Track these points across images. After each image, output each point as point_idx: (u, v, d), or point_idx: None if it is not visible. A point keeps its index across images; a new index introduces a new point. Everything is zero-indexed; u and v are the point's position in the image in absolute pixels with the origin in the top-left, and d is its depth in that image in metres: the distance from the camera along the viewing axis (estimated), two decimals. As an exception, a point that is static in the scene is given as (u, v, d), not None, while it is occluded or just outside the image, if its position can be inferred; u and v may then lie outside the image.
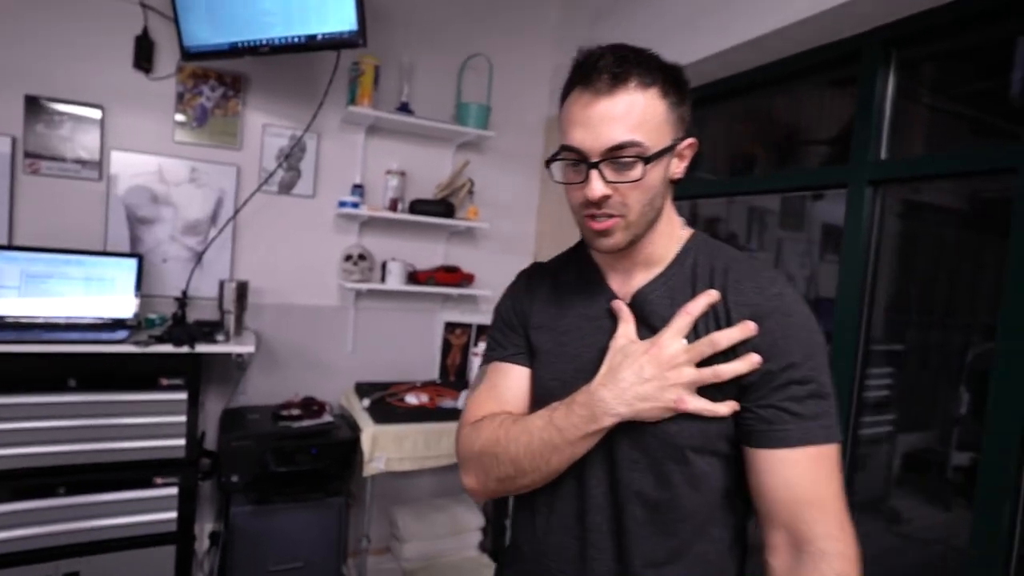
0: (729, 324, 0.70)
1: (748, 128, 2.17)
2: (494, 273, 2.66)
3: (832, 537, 0.64)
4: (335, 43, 1.84)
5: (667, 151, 0.70)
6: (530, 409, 0.83)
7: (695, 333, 0.71)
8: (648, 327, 0.75)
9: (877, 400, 1.57)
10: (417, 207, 2.42)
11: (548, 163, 0.75)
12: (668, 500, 0.72)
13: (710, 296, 0.71)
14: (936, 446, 1.57)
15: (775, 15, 1.56)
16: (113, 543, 1.79)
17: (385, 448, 1.99)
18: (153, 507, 1.83)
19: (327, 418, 2.17)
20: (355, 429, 2.12)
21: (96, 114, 2.04)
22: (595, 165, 0.68)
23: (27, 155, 1.97)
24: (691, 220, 2.50)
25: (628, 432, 0.73)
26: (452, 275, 2.51)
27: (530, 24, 2.71)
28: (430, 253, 2.60)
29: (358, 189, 2.38)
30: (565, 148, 0.71)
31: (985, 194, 1.48)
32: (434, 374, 2.64)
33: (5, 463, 1.67)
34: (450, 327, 2.63)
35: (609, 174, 0.69)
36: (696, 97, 2.21)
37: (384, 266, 2.45)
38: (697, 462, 0.71)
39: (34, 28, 1.95)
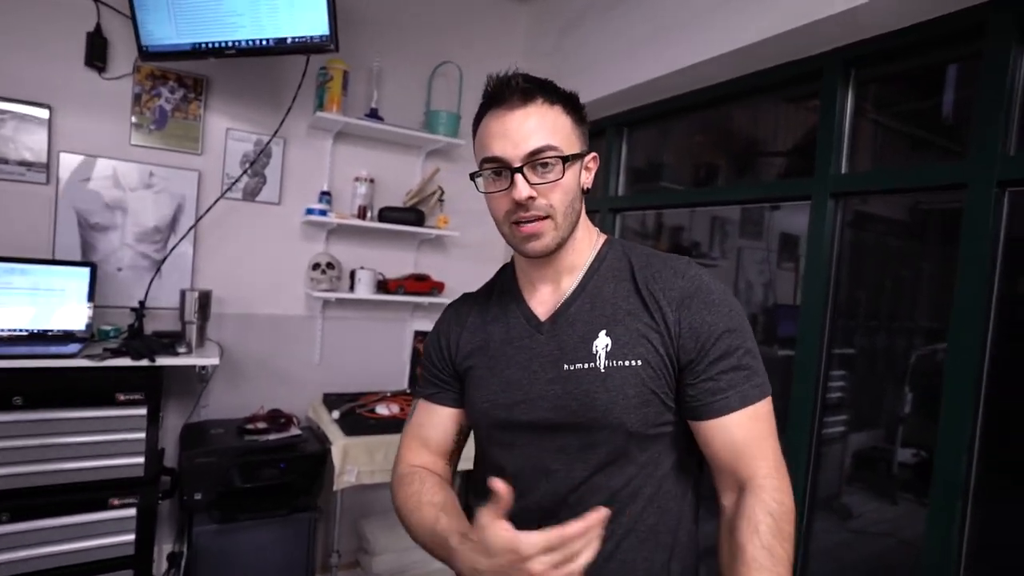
0: (660, 310, 0.77)
1: (711, 140, 2.24)
2: (465, 282, 2.61)
3: (770, 475, 0.72)
4: (306, 47, 1.80)
5: (579, 156, 0.79)
6: (472, 426, 0.91)
7: (637, 323, 0.78)
8: (567, 344, 0.80)
9: (831, 401, 1.64)
10: (386, 215, 2.39)
11: (473, 177, 0.80)
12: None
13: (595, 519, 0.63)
14: (883, 444, 1.64)
15: (741, 33, 1.62)
16: (65, 570, 1.68)
17: (356, 461, 1.95)
18: (109, 530, 1.73)
19: (295, 431, 2.11)
20: (323, 442, 2.07)
21: (43, 113, 1.92)
22: (519, 170, 0.74)
23: (-34, 157, 1.85)
24: (656, 229, 2.58)
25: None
26: (422, 284, 2.49)
27: (500, 33, 2.72)
28: (400, 261, 2.57)
29: (326, 196, 2.32)
30: (487, 160, 0.77)
31: (923, 206, 1.58)
32: (404, 384, 2.60)
33: (-58, 489, 1.55)
34: (420, 336, 2.60)
35: (532, 177, 0.75)
36: (661, 110, 2.26)
37: (353, 275, 2.40)
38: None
39: (-25, 22, 1.83)
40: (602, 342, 0.78)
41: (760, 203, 1.92)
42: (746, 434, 0.74)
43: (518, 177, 0.74)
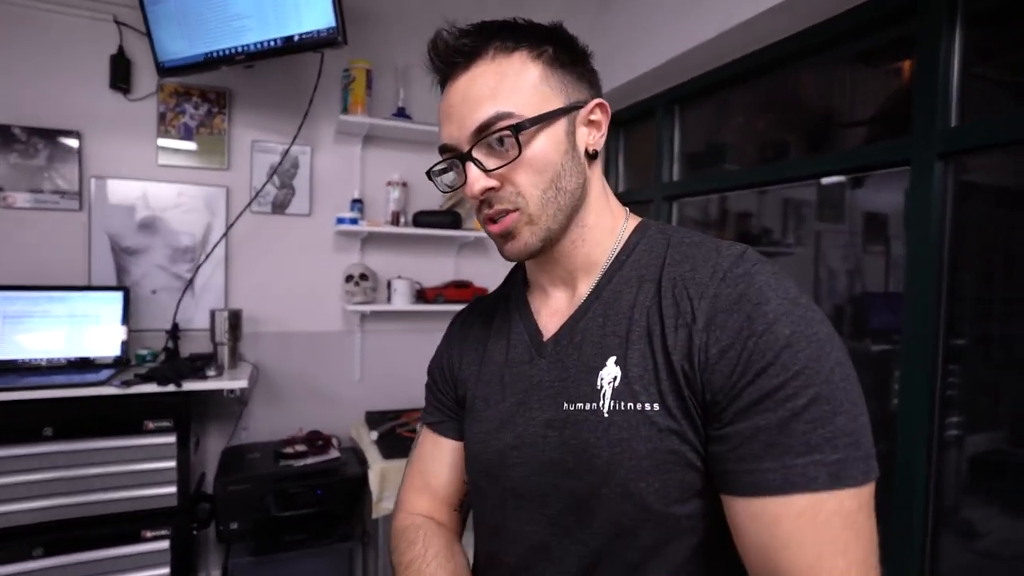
0: (688, 325, 0.52)
1: (777, 114, 1.95)
2: (508, 285, 2.46)
3: None
4: (314, 43, 1.68)
5: (552, 116, 0.56)
6: (468, 469, 0.70)
7: (652, 346, 0.54)
8: (569, 374, 0.58)
9: (943, 400, 1.36)
10: (422, 219, 2.25)
11: (430, 175, 0.63)
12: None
13: None
14: (1006, 447, 1.37)
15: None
16: (98, 608, 1.63)
17: (396, 486, 1.80)
18: (142, 564, 1.67)
19: (333, 454, 1.99)
20: (365, 464, 1.94)
21: (73, 142, 1.92)
22: (468, 156, 0.56)
23: None
24: (720, 217, 2.29)
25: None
26: (463, 290, 2.33)
27: (531, 17, 2.52)
28: (439, 268, 2.42)
29: (357, 204, 2.21)
30: (441, 151, 0.60)
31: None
32: (449, 398, 2.45)
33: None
34: (464, 346, 2.44)
35: (488, 162, 0.57)
36: (718, 78, 1.97)
37: (389, 285, 2.27)
38: None
39: (1, 52, 1.84)
40: (609, 374, 0.54)
41: (843, 174, 1.61)
42: (793, 535, 0.45)
43: (468, 166, 0.56)
